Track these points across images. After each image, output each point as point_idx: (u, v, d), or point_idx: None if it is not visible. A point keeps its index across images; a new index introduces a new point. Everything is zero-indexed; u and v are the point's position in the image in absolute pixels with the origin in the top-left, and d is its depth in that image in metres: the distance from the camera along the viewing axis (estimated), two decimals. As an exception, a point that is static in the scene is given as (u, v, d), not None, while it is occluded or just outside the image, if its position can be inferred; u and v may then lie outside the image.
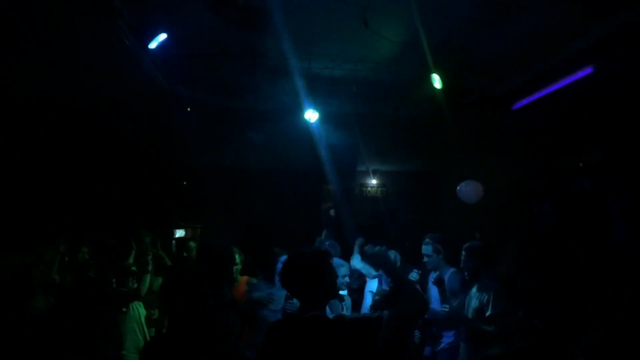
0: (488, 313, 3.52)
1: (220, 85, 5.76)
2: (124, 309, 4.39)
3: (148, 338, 4.35)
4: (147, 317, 4.63)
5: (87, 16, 3.62)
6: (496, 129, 6.53)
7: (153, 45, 4.01)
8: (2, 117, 5.24)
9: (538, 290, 4.01)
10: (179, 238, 8.28)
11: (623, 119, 5.69)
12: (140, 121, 6.23)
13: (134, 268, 4.77)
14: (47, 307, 3.82)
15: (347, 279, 4.02)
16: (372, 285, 4.59)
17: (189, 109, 5.19)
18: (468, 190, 5.72)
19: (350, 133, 6.35)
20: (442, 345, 4.06)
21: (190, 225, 9.03)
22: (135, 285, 4.59)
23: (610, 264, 4.71)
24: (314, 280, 2.19)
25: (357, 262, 4.89)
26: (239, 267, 4.32)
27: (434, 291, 4.18)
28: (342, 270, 3.84)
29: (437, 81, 4.79)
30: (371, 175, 9.79)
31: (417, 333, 3.80)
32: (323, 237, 6.18)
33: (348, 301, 4.04)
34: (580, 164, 7.48)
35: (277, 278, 3.64)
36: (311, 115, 5.47)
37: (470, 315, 3.70)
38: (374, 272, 4.83)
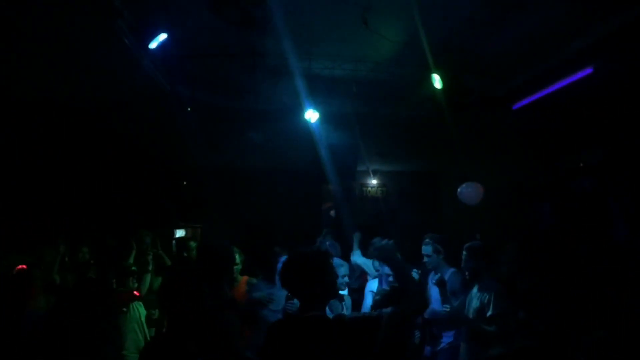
0: (489, 313, 3.52)
1: (220, 85, 5.76)
2: (124, 309, 4.40)
3: (148, 338, 4.35)
4: (148, 317, 4.63)
5: (87, 16, 3.62)
6: (496, 129, 6.52)
7: (153, 45, 4.01)
8: (2, 118, 5.24)
9: (538, 291, 4.01)
10: (179, 238, 8.28)
11: (623, 119, 5.69)
12: (140, 121, 6.23)
13: (134, 268, 4.78)
14: (48, 307, 3.83)
15: (346, 279, 4.03)
16: (373, 285, 4.59)
17: (189, 109, 5.19)
18: (469, 192, 5.71)
19: (351, 133, 6.35)
20: (442, 345, 4.06)
21: (190, 225, 9.03)
22: (136, 285, 4.60)
23: (610, 264, 4.71)
24: (314, 280, 2.19)
25: (357, 257, 4.90)
26: (239, 267, 4.32)
27: (434, 291, 4.17)
28: (342, 270, 3.85)
29: (437, 81, 4.79)
30: (371, 175, 9.78)
31: (417, 333, 3.80)
32: (323, 237, 6.19)
33: (348, 301, 4.04)
34: (580, 164, 7.48)
35: (277, 278, 3.64)
36: (311, 115, 5.47)
37: (471, 315, 3.69)
38: (373, 269, 4.85)
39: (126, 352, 4.25)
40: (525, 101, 5.45)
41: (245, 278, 4.37)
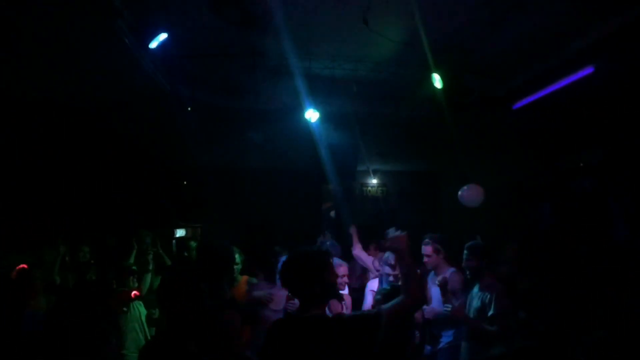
0: (490, 313, 3.52)
1: (220, 85, 5.76)
2: (125, 309, 4.40)
3: (149, 337, 4.36)
4: (148, 317, 4.63)
5: (87, 16, 3.62)
6: (496, 129, 6.52)
7: (153, 45, 4.00)
8: (2, 117, 5.24)
9: (538, 290, 4.01)
10: (179, 238, 8.29)
11: (623, 119, 5.70)
12: (140, 121, 6.23)
13: (134, 267, 4.78)
14: (48, 307, 3.83)
15: (346, 279, 4.04)
16: (373, 284, 4.59)
17: (189, 109, 5.18)
18: (469, 194, 5.69)
19: (351, 133, 6.35)
20: (441, 345, 4.06)
21: (190, 225, 9.03)
22: (136, 284, 4.60)
23: (610, 264, 4.71)
24: (314, 280, 2.19)
25: (358, 250, 4.95)
26: (239, 267, 4.32)
27: (434, 291, 4.18)
28: (341, 269, 3.85)
29: (437, 81, 4.79)
30: (371, 175, 9.78)
31: (416, 333, 3.80)
32: (324, 237, 6.19)
33: (348, 301, 4.05)
34: (580, 164, 7.48)
35: (277, 277, 3.65)
36: (311, 115, 5.47)
37: (472, 315, 3.70)
38: (371, 264, 4.87)
39: (126, 351, 4.26)
40: (525, 101, 5.45)
41: (245, 278, 4.37)
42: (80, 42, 4.05)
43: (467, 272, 3.86)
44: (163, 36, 4.00)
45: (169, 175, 8.76)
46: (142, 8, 3.91)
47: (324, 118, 5.59)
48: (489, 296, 3.59)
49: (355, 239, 5.08)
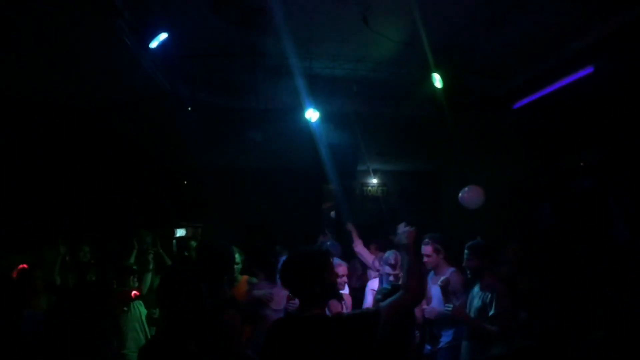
0: (491, 312, 3.52)
1: (221, 85, 5.76)
2: (125, 308, 4.41)
3: (149, 337, 4.36)
4: (148, 316, 4.64)
5: (87, 16, 3.61)
6: (496, 129, 6.52)
7: (154, 44, 4.00)
8: (2, 117, 5.24)
9: (538, 291, 4.01)
10: (180, 237, 8.29)
11: (623, 119, 5.70)
12: (141, 121, 6.23)
13: (134, 267, 4.79)
14: (49, 307, 3.83)
15: (345, 279, 4.05)
16: (374, 284, 4.60)
17: (189, 109, 5.18)
18: (470, 196, 5.68)
19: (351, 132, 6.35)
20: (441, 344, 4.07)
21: (190, 224, 9.04)
22: (137, 284, 4.61)
23: (611, 264, 4.71)
24: (313, 280, 2.19)
25: (360, 247, 4.96)
26: (239, 266, 4.32)
27: (434, 290, 4.18)
28: (341, 269, 3.85)
29: (437, 81, 4.79)
30: (372, 175, 9.78)
31: (417, 333, 3.80)
32: (325, 237, 6.20)
33: (348, 301, 4.05)
34: (581, 164, 7.49)
35: (278, 277, 3.65)
36: (312, 115, 5.47)
37: (472, 315, 3.70)
38: (371, 260, 4.88)
39: (127, 351, 4.26)
40: (525, 101, 5.45)
41: (245, 277, 4.38)
42: (80, 42, 4.05)
43: (468, 272, 3.86)
44: (163, 36, 4.00)
45: (169, 175, 8.77)
46: (142, 8, 3.91)
47: (324, 118, 5.58)
48: (490, 296, 3.59)
49: (354, 235, 5.09)
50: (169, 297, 2.28)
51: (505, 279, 3.92)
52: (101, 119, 6.04)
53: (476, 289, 3.79)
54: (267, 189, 8.92)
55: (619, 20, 4.04)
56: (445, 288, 3.96)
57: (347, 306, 3.81)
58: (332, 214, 10.02)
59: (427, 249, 4.13)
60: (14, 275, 4.06)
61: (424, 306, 4.07)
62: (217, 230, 8.38)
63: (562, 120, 6.10)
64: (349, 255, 5.90)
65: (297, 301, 2.41)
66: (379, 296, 3.21)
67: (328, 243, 5.23)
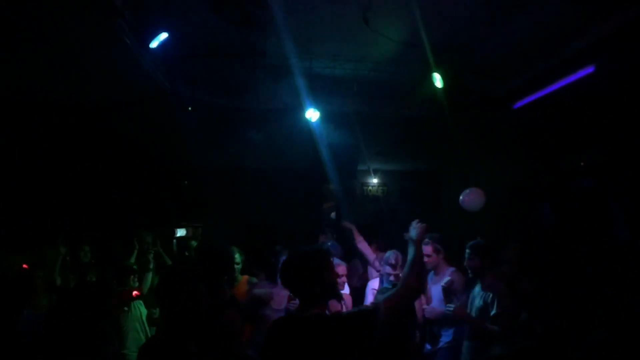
0: (493, 312, 3.52)
1: (221, 85, 5.75)
2: (126, 308, 4.41)
3: (149, 336, 4.36)
4: (149, 316, 4.64)
5: (87, 16, 3.61)
6: (496, 129, 6.52)
7: (154, 44, 4.00)
8: (2, 117, 5.23)
9: (538, 290, 4.01)
10: (180, 237, 8.30)
11: (623, 119, 5.70)
12: (141, 121, 6.23)
13: (135, 267, 4.79)
14: (50, 306, 3.83)
15: (344, 279, 4.05)
16: (374, 283, 4.61)
17: (189, 109, 5.18)
18: (471, 199, 5.67)
19: (351, 132, 6.34)
20: (441, 344, 4.07)
21: (191, 224, 9.04)
22: (137, 284, 4.61)
23: (611, 264, 4.71)
24: (313, 279, 2.19)
25: (362, 244, 4.98)
26: (239, 266, 4.33)
27: (434, 290, 4.18)
28: (340, 269, 3.86)
29: (437, 81, 4.79)
30: (372, 174, 9.78)
31: (417, 333, 3.81)
32: (326, 237, 6.20)
33: (348, 301, 4.05)
34: (581, 164, 7.49)
35: (279, 277, 3.65)
36: (312, 115, 5.47)
37: (474, 314, 3.70)
38: (372, 258, 4.88)
39: (127, 350, 4.27)
40: (525, 101, 5.44)
41: (245, 277, 4.38)
42: (80, 42, 4.05)
43: (469, 272, 3.86)
44: (163, 36, 4.00)
45: (169, 175, 8.77)
46: (142, 8, 3.91)
47: (324, 117, 5.58)
48: (491, 296, 3.59)
49: (355, 232, 5.09)
50: (168, 297, 2.28)
51: (506, 279, 3.93)
52: (101, 119, 6.04)
53: (477, 288, 3.79)
54: (267, 189, 8.92)
55: (619, 20, 4.04)
56: (448, 289, 3.96)
57: (347, 306, 3.81)
58: (333, 214, 10.02)
59: (427, 249, 4.13)
60: (15, 275, 4.05)
61: (424, 306, 4.07)
62: (217, 230, 8.38)
63: (562, 120, 6.09)
64: (350, 256, 5.90)
65: (297, 301, 2.41)
66: (380, 296, 3.22)
67: (329, 243, 5.23)
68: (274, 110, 5.89)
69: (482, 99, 5.68)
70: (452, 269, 4.19)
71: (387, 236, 6.10)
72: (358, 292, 4.90)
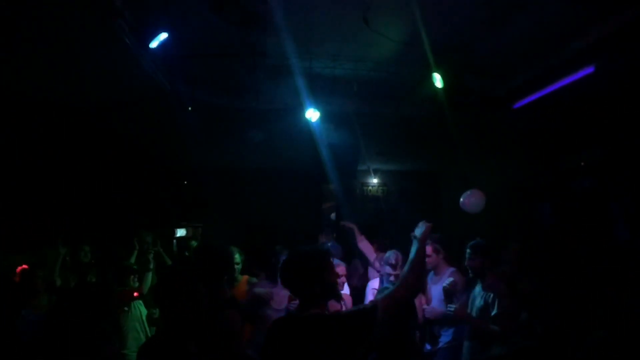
0: (494, 312, 3.52)
1: (221, 85, 5.75)
2: (126, 308, 4.41)
3: (149, 337, 4.36)
4: (149, 316, 4.64)
5: (87, 16, 3.61)
6: (496, 129, 6.52)
7: (154, 44, 4.00)
8: (2, 117, 5.23)
9: (538, 291, 4.01)
10: (180, 237, 8.30)
11: (623, 119, 5.70)
12: (141, 121, 6.23)
13: (135, 267, 4.79)
14: (50, 307, 3.83)
15: (344, 279, 4.05)
16: (374, 283, 4.61)
17: (189, 109, 5.18)
18: (471, 201, 5.67)
19: (351, 132, 6.35)
20: (440, 344, 4.07)
21: (191, 224, 9.05)
22: (137, 284, 4.61)
23: (611, 264, 4.71)
24: (313, 279, 2.19)
25: (363, 244, 4.98)
26: (239, 266, 4.33)
27: (434, 290, 4.18)
28: (339, 269, 3.86)
29: (437, 81, 4.79)
30: (372, 174, 9.79)
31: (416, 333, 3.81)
32: (326, 237, 6.20)
33: (348, 301, 4.05)
34: (581, 164, 7.49)
35: (279, 276, 3.65)
36: (312, 115, 5.47)
37: (474, 314, 3.70)
38: (373, 257, 4.88)
39: (127, 350, 4.27)
40: (525, 101, 5.44)
41: (245, 277, 4.39)
42: (80, 42, 4.05)
43: (470, 272, 3.86)
44: (163, 36, 4.00)
45: (169, 175, 8.77)
46: (142, 8, 3.91)
47: (324, 117, 5.59)
48: (492, 296, 3.59)
49: (357, 232, 5.08)
50: (168, 297, 2.28)
51: (506, 279, 3.93)
52: (101, 119, 6.04)
53: (478, 288, 3.79)
54: (267, 189, 8.92)
55: (619, 20, 4.04)
56: (450, 290, 3.96)
57: (347, 306, 3.82)
58: (332, 215, 10.02)
59: (427, 249, 4.13)
60: (15, 275, 4.05)
61: (424, 306, 4.07)
62: (217, 230, 8.38)
63: (562, 120, 6.09)
64: (350, 256, 5.90)
65: (298, 301, 2.41)
66: (379, 295, 3.22)
67: (329, 244, 5.23)
68: (274, 110, 5.89)
69: (482, 99, 5.69)
70: (452, 269, 4.19)
71: (387, 236, 6.09)
72: (358, 292, 4.90)
